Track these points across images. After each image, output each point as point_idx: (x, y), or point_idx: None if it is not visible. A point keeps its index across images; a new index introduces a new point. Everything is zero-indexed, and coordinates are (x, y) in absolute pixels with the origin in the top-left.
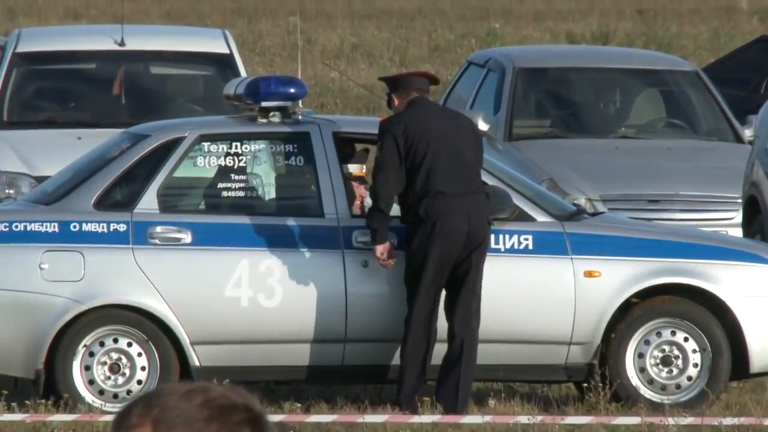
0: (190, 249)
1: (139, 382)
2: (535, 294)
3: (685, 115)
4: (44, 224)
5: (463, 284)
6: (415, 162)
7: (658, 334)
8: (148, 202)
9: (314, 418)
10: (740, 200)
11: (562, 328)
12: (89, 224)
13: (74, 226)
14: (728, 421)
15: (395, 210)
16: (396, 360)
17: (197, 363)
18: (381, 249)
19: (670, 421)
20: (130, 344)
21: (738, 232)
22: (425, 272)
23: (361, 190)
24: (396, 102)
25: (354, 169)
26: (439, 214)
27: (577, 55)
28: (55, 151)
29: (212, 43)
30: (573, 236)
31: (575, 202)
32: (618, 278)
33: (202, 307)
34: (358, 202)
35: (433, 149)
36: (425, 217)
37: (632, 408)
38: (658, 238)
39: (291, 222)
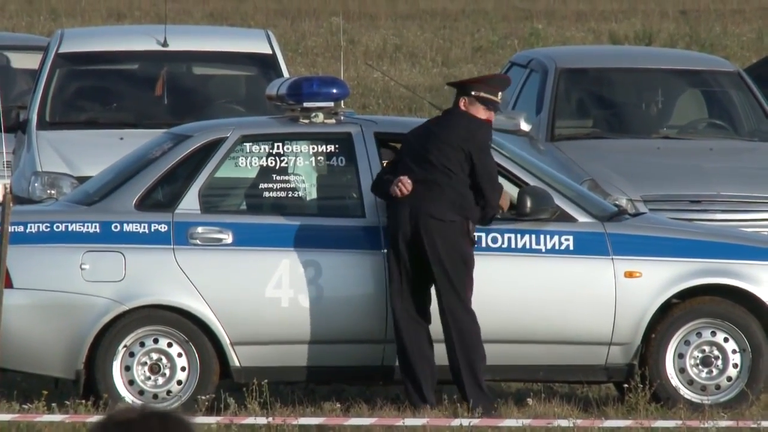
0: (231, 249)
1: (179, 382)
2: (576, 294)
3: (727, 116)
4: (85, 225)
5: (436, 282)
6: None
7: (699, 335)
8: (190, 202)
9: (354, 420)
10: None
11: (603, 329)
12: (130, 225)
13: (115, 227)
14: (766, 423)
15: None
16: (436, 361)
17: (237, 363)
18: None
19: (709, 423)
20: (170, 344)
21: None
22: (390, 268)
23: None
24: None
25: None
26: (387, 211)
27: (618, 55)
28: (97, 152)
29: (255, 43)
30: (614, 237)
31: (616, 202)
32: (659, 279)
33: (242, 308)
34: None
35: (404, 151)
36: (384, 216)
37: (672, 409)
38: (699, 239)
39: (332, 222)
